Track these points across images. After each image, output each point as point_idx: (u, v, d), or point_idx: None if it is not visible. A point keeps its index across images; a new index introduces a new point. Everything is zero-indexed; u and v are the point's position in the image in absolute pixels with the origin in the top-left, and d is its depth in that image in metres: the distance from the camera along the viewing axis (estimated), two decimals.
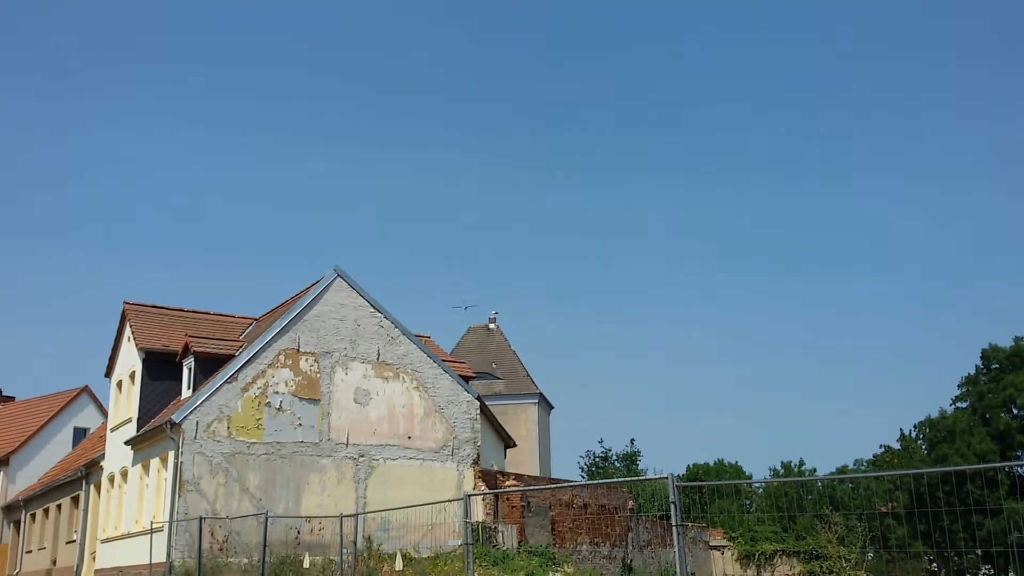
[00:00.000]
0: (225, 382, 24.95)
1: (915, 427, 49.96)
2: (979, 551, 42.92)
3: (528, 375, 50.72)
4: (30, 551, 39.63)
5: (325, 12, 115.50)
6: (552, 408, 53.13)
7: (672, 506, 9.86)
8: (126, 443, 28.04)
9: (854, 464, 55.83)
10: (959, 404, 49.05)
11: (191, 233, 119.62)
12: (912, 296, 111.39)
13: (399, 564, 17.48)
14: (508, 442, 37.21)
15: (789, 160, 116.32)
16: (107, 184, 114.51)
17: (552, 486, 28.33)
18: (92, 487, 33.01)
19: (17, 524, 42.29)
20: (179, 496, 23.70)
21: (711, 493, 47.90)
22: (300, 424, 25.65)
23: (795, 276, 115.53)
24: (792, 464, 54.33)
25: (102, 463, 31.37)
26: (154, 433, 25.73)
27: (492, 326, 53.78)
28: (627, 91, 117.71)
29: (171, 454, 24.38)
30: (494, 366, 50.64)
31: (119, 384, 30.64)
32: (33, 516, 40.04)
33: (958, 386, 49.47)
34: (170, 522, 23.55)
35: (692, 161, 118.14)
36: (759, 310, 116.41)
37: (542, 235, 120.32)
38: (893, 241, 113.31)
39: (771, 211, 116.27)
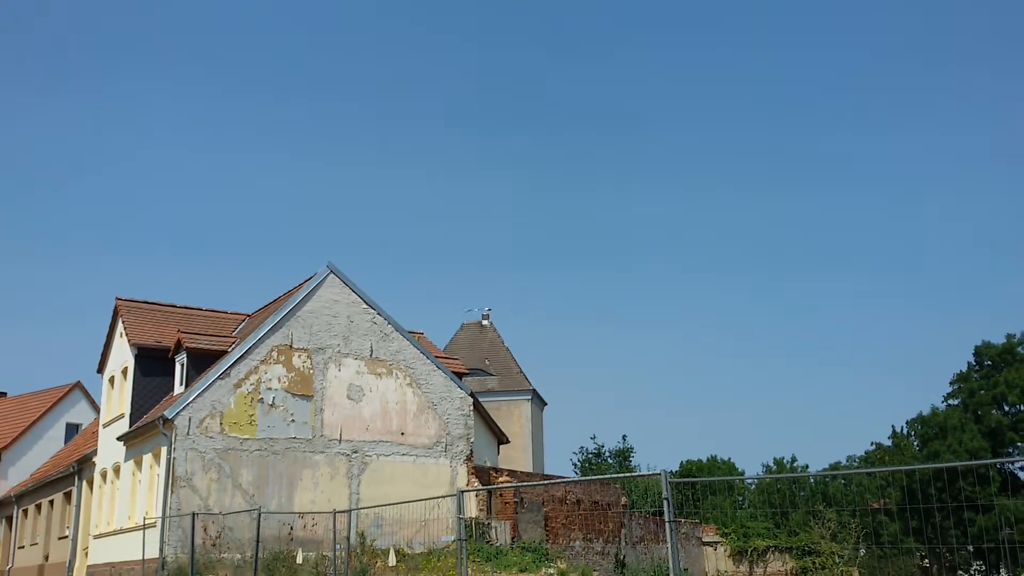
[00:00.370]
0: (218, 378, 24.92)
1: (907, 424, 50.14)
2: (971, 547, 43.10)
3: (521, 371, 50.73)
4: (22, 546, 39.57)
5: (322, 10, 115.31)
6: (545, 404, 53.14)
7: (665, 502, 9.87)
8: (118, 439, 27.99)
9: (846, 461, 55.96)
10: (951, 401, 49.22)
11: (184, 229, 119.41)
12: (904, 293, 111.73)
13: (392, 560, 17.50)
14: (501, 438, 37.20)
15: (780, 158, 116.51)
16: (100, 181, 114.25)
17: (545, 482, 28.32)
18: (84, 483, 32.96)
19: (9, 520, 42.21)
20: (172, 492, 23.67)
21: (704, 489, 47.99)
22: (293, 420, 25.63)
23: (788, 273, 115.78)
24: (784, 460, 54.47)
25: (94, 459, 31.32)
26: (147, 429, 25.69)
27: (485, 323, 53.77)
28: (623, 89, 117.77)
29: (164, 450, 24.34)
30: (487, 362, 50.64)
31: (111, 380, 30.58)
32: (25, 512, 39.98)
33: (950, 383, 49.63)
34: (163, 518, 23.52)
35: (686, 158, 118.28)
36: (753, 307, 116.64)
37: (536, 232, 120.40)
38: (886, 238, 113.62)
39: (764, 209, 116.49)
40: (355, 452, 26.25)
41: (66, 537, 33.74)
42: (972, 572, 44.45)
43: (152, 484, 25.55)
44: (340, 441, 26.12)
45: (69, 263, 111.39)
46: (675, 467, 57.68)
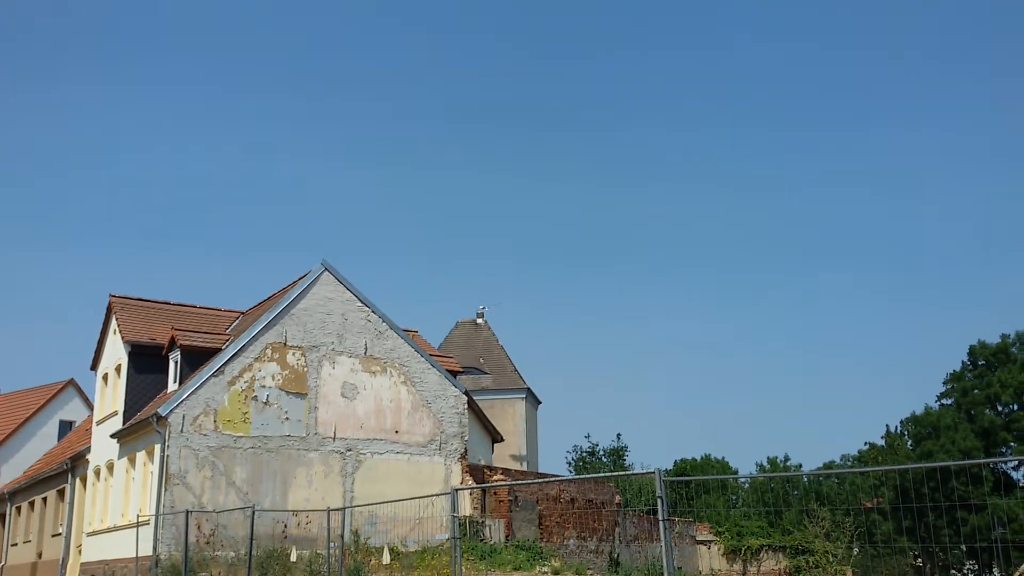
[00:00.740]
0: (212, 376, 24.87)
1: (901, 423, 50.25)
2: (964, 547, 43.20)
3: (516, 370, 50.72)
4: (15, 544, 39.47)
5: (319, 6, 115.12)
6: (539, 403, 53.16)
7: (659, 501, 9.88)
8: (112, 436, 27.93)
9: (840, 460, 56.05)
10: (944, 401, 49.33)
11: (178, 226, 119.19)
12: (899, 292, 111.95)
13: (386, 558, 17.48)
14: (495, 437, 37.23)
15: (776, 155, 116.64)
16: (95, 178, 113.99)
17: (539, 480, 28.34)
18: (78, 480, 32.89)
19: (2, 517, 42.11)
20: (165, 489, 23.63)
21: (698, 488, 48.04)
22: (287, 418, 25.59)
23: (781, 272, 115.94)
24: (778, 459, 54.54)
25: (88, 456, 31.25)
26: (140, 426, 25.63)
27: (480, 321, 53.74)
28: (619, 86, 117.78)
29: (157, 447, 24.29)
30: (482, 361, 50.62)
31: (105, 377, 30.51)
32: (18, 509, 39.88)
33: (943, 383, 49.75)
34: (156, 515, 23.48)
35: (680, 156, 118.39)
36: (747, 306, 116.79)
37: (531, 230, 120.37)
38: (880, 238, 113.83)
39: (758, 207, 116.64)
40: (349, 450, 26.23)
41: (59, 535, 33.66)
42: (965, 571, 44.56)
43: (146, 482, 25.50)
44: (334, 439, 26.09)
45: (63, 260, 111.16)
46: (669, 466, 57.74)
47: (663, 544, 9.84)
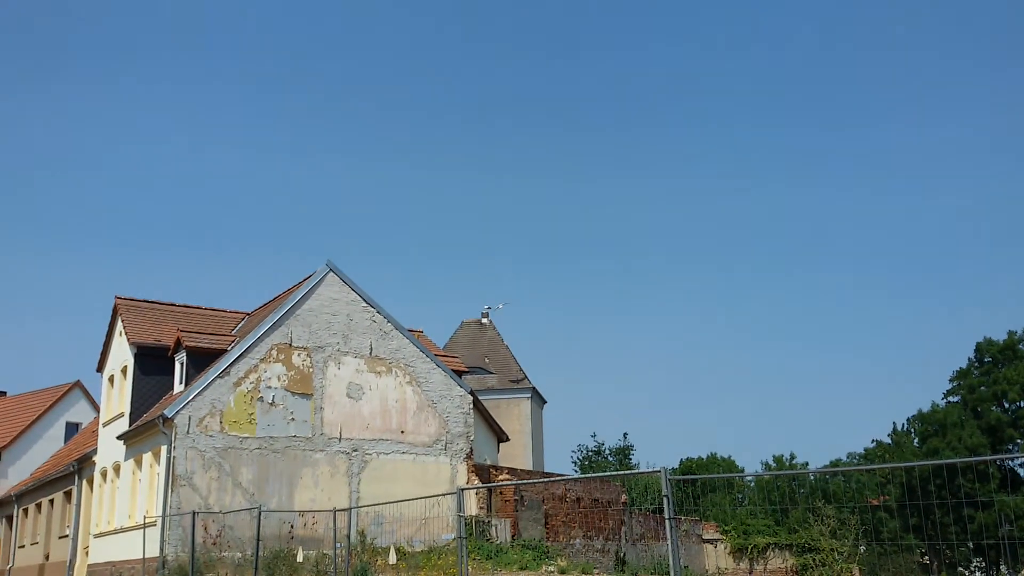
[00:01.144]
0: (217, 377, 24.90)
1: (907, 421, 50.16)
2: (970, 544, 43.11)
3: (521, 369, 50.67)
4: (23, 546, 39.55)
5: (321, 5, 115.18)
6: (545, 402, 53.12)
7: (665, 499, 9.86)
8: (118, 438, 27.97)
9: (846, 458, 56.02)
10: (951, 398, 49.25)
11: (183, 228, 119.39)
12: (905, 290, 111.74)
13: (393, 558, 17.49)
14: (501, 436, 37.19)
15: (780, 153, 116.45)
16: (100, 179, 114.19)
17: (545, 480, 28.29)
18: (85, 482, 32.94)
19: (9, 519, 42.20)
20: (172, 491, 23.66)
21: (704, 487, 47.98)
22: (293, 419, 25.62)
23: (786, 270, 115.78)
24: (784, 458, 54.49)
25: (94, 458, 31.30)
26: (146, 428, 25.67)
27: (485, 320, 53.71)
28: (621, 84, 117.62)
29: (163, 449, 24.32)
30: (487, 360, 50.60)
31: (111, 379, 30.56)
32: (25, 511, 39.96)
33: (950, 380, 49.68)
34: (163, 516, 23.51)
35: (685, 153, 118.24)
36: (752, 304, 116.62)
37: (536, 230, 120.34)
38: (887, 235, 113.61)
39: (764, 205, 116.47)
40: (355, 450, 26.24)
41: (66, 536, 33.73)
42: (972, 569, 44.47)
43: (152, 483, 25.53)
44: (340, 439, 26.11)
45: (68, 262, 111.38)
46: (675, 465, 57.74)
47: (669, 543, 9.82)
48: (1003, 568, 41.02)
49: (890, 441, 49.43)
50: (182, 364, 27.03)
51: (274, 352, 25.84)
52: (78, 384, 44.67)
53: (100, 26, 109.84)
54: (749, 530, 46.07)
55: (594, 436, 63.18)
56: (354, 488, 25.83)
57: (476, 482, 27.17)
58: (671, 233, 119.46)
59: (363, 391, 26.82)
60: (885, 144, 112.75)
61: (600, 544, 32.91)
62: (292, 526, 23.96)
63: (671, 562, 9.87)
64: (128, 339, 28.41)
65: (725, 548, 45.63)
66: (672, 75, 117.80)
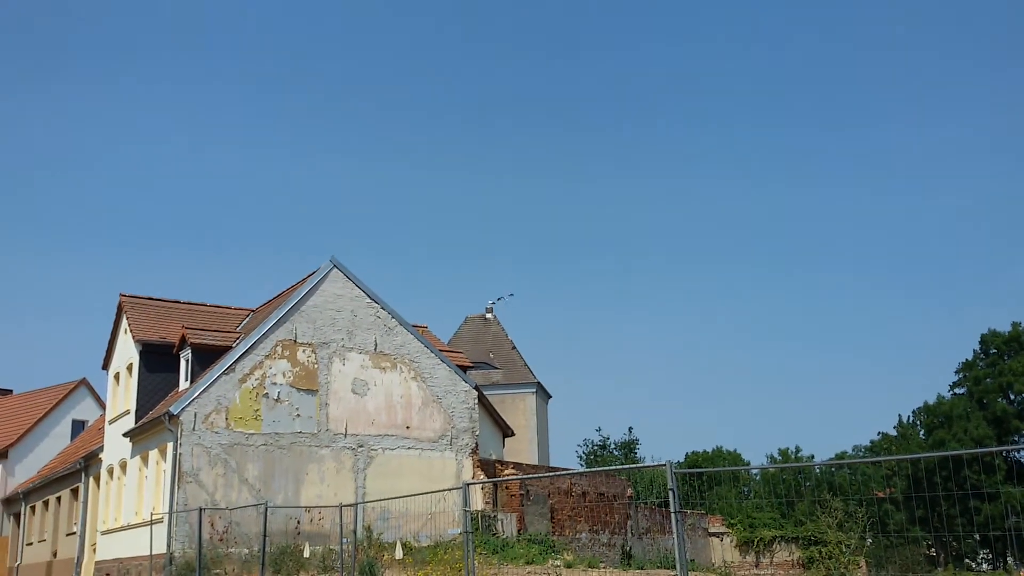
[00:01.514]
0: (222, 373, 24.93)
1: (913, 413, 50.11)
2: (977, 535, 43.09)
3: (526, 364, 50.68)
4: (30, 543, 39.68)
5: (319, 6, 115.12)
6: (550, 397, 53.11)
7: (670, 493, 9.85)
8: (124, 435, 28.04)
9: (852, 450, 55.97)
10: (957, 390, 49.18)
11: (187, 225, 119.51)
12: (910, 282, 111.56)
13: (399, 553, 17.50)
14: (506, 431, 37.22)
15: (787, 149, 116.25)
16: (105, 177, 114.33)
17: (551, 474, 28.36)
18: (91, 479, 33.03)
19: (17, 517, 42.33)
20: (178, 487, 23.71)
21: (709, 480, 48.01)
22: (298, 415, 25.65)
23: (792, 263, 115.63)
24: (790, 451, 54.43)
25: (101, 455, 31.38)
26: (152, 425, 25.73)
27: (489, 316, 53.69)
28: (622, 84, 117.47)
29: (170, 446, 24.38)
30: (491, 356, 50.60)
31: (116, 376, 30.62)
32: (33, 508, 40.08)
33: (956, 372, 49.62)
34: (170, 513, 23.56)
35: (691, 150, 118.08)
36: (758, 298, 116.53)
37: (540, 224, 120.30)
38: (892, 228, 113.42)
39: (769, 199, 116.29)
40: (361, 446, 26.28)
41: (74, 533, 33.83)
42: (979, 560, 44.44)
43: (159, 480, 25.59)
44: (345, 435, 26.15)
45: (73, 260, 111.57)
46: (681, 458, 57.71)
47: (675, 536, 9.83)
48: (1010, 560, 40.97)
49: (896, 434, 49.40)
50: (187, 361, 27.08)
51: (279, 348, 25.86)
52: (84, 382, 44.76)
53: (100, 26, 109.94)
54: (755, 523, 46.05)
55: (599, 431, 63.18)
56: (360, 484, 25.87)
57: (482, 477, 27.20)
58: (675, 230, 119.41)
59: (368, 387, 26.84)
60: (887, 143, 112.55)
61: (606, 538, 32.93)
62: (298, 522, 24.01)
63: (677, 556, 9.87)
64: (133, 336, 28.46)
65: (731, 541, 45.62)
66: (672, 75, 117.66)
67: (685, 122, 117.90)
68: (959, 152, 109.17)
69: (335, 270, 27.19)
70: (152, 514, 24.59)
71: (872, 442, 51.64)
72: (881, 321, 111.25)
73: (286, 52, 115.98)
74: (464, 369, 29.91)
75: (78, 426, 43.63)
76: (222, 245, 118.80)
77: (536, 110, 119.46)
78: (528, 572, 18.02)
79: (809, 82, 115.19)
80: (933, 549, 44.57)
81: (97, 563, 29.90)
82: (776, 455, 54.48)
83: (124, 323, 29.77)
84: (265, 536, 19.66)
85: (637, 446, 60.53)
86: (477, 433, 28.45)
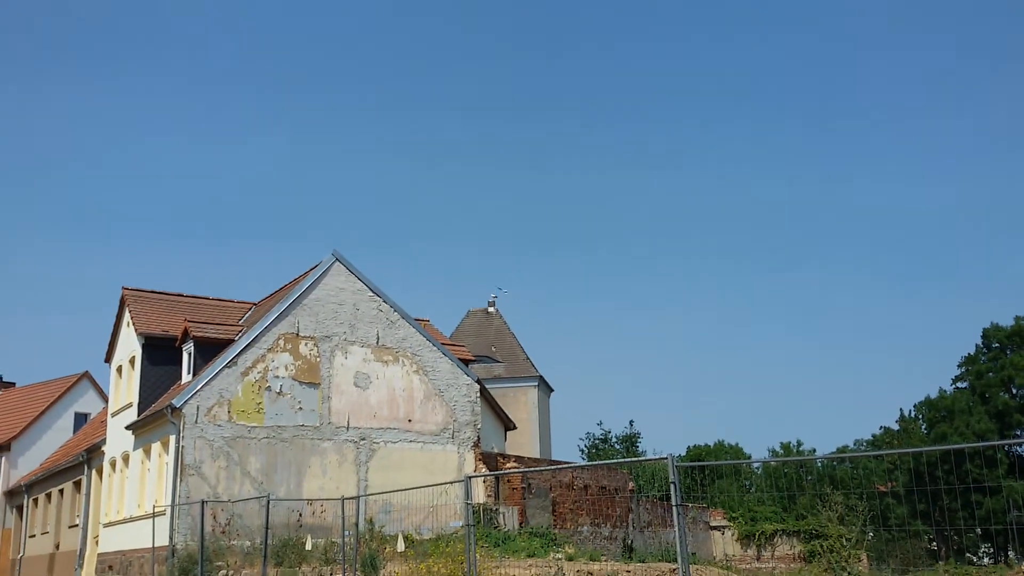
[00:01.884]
0: (225, 366, 24.96)
1: (915, 407, 50.08)
2: (978, 530, 43.10)
3: (528, 358, 50.73)
4: (33, 535, 39.79)
5: (321, 1, 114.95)
6: (552, 391, 53.17)
7: (672, 486, 9.85)
8: (127, 428, 28.08)
9: (854, 444, 55.93)
10: (959, 384, 49.14)
11: (190, 219, 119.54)
12: (913, 276, 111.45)
13: (401, 546, 17.53)
14: (508, 425, 37.28)
15: (789, 142, 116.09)
16: (107, 171, 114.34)
17: (552, 468, 28.34)
18: (94, 472, 33.09)
19: (20, 509, 42.43)
20: (181, 480, 23.75)
21: (711, 474, 48.03)
22: (300, 408, 25.68)
23: (794, 257, 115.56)
24: (791, 445, 54.41)
25: (103, 448, 31.43)
26: (155, 418, 25.77)
27: (491, 309, 53.74)
28: (626, 77, 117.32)
29: (172, 438, 24.42)
30: (494, 349, 50.65)
31: (119, 369, 30.66)
32: (35, 501, 40.18)
33: (958, 366, 49.57)
34: (172, 506, 23.61)
35: (693, 142, 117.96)
36: (759, 292, 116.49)
37: (541, 219, 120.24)
38: (894, 221, 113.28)
39: (771, 192, 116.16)
40: (363, 439, 26.31)
41: (76, 526, 33.90)
42: (980, 554, 44.45)
43: (161, 472, 25.64)
44: (348, 428, 26.18)
45: (76, 254, 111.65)
46: (682, 452, 57.71)
47: (677, 530, 9.83)
48: (1011, 554, 40.99)
49: (898, 428, 49.37)
50: (190, 354, 27.11)
51: (281, 342, 25.89)
52: (86, 375, 44.85)
53: (101, 24, 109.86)
54: (756, 517, 46.11)
55: (600, 424, 63.24)
56: (362, 476, 25.91)
57: (484, 470, 27.23)
58: (677, 223, 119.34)
59: (370, 380, 26.86)
60: (887, 136, 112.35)
61: (608, 531, 32.99)
62: (301, 514, 24.06)
63: (678, 549, 9.88)
64: (136, 330, 28.49)
65: (733, 535, 45.69)
66: (674, 70, 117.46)
67: (689, 116, 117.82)
68: (961, 145, 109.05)
69: (337, 264, 27.20)
70: (154, 507, 24.64)
71: (874, 436, 51.61)
72: (883, 315, 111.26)
73: (287, 46, 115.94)
74: (466, 363, 29.93)
75: (80, 419, 43.72)
76: (224, 239, 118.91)
77: (539, 103, 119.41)
78: (530, 565, 18.04)
79: (810, 76, 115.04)
80: (934, 543, 44.58)
81: (99, 555, 29.97)
82: (778, 449, 54.49)
83: (127, 316, 29.79)
84: (267, 529, 19.69)
85: (639, 440, 60.62)
86: (479, 426, 28.48)
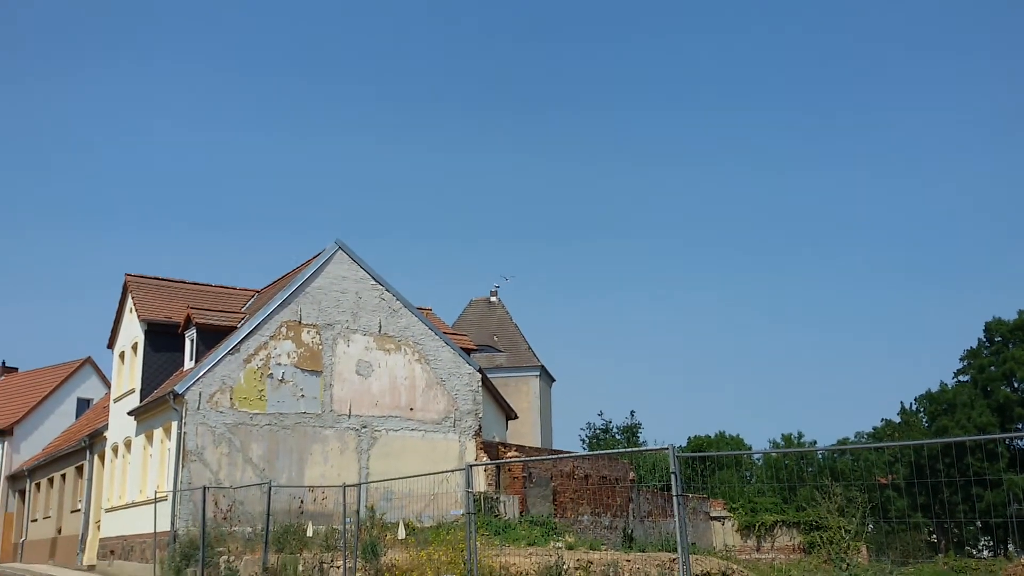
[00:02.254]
0: (227, 353, 25.00)
1: (916, 400, 50.13)
2: (979, 523, 43.18)
3: (529, 348, 50.76)
4: (35, 520, 39.95)
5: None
6: (553, 380, 53.22)
7: (672, 477, 9.88)
8: (129, 414, 28.15)
9: (855, 437, 55.99)
10: (961, 377, 49.17)
11: (193, 205, 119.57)
12: (915, 269, 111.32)
13: (402, 533, 17.58)
14: (510, 414, 37.31)
15: (791, 133, 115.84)
16: (110, 158, 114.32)
17: (553, 457, 28.42)
18: (96, 457, 33.20)
19: (22, 493, 42.60)
20: (183, 466, 23.83)
21: (712, 464, 48.11)
22: (302, 395, 25.73)
23: (797, 249, 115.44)
24: (792, 436, 54.48)
25: (106, 433, 31.52)
26: (157, 404, 25.83)
27: (493, 299, 53.76)
28: (629, 67, 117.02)
29: (174, 424, 24.48)
30: (495, 339, 50.68)
31: (122, 355, 30.72)
32: (38, 486, 40.33)
33: (960, 359, 49.59)
34: (174, 491, 23.69)
35: (696, 133, 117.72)
36: (761, 283, 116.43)
37: (543, 208, 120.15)
38: (896, 214, 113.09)
39: (772, 183, 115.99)
40: (364, 427, 26.36)
41: (78, 511, 34.03)
42: (980, 547, 44.55)
43: (163, 458, 25.71)
44: (349, 416, 26.23)
45: (79, 240, 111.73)
46: (683, 442, 57.79)
47: (677, 520, 9.86)
48: (1011, 547, 41.06)
49: (899, 420, 49.42)
50: (192, 341, 27.15)
51: (284, 329, 25.92)
52: (89, 360, 44.95)
53: (106, 15, 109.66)
54: (757, 508, 46.20)
55: (601, 414, 63.31)
56: (363, 464, 25.98)
57: (485, 459, 27.28)
58: (679, 214, 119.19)
59: (372, 368, 26.90)
60: (892, 129, 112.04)
61: (608, 521, 33.07)
62: (302, 501, 24.13)
63: (678, 539, 9.91)
64: (138, 316, 28.53)
65: (733, 526, 45.79)
66: (677, 63, 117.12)
67: (691, 108, 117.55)
68: (963, 139, 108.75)
69: (340, 252, 27.21)
70: (156, 492, 24.72)
71: (875, 428, 51.66)
72: (885, 308, 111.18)
73: (290, 34, 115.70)
74: (468, 352, 29.95)
75: (83, 404, 43.84)
76: (227, 226, 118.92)
77: (542, 92, 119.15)
78: (530, 553, 18.07)
79: (819, 70, 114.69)
80: (934, 535, 44.67)
81: (101, 540, 30.09)
82: (779, 440, 54.56)
83: (129, 303, 29.83)
84: (268, 515, 19.77)
85: (640, 430, 60.70)
86: (480, 415, 28.53)
